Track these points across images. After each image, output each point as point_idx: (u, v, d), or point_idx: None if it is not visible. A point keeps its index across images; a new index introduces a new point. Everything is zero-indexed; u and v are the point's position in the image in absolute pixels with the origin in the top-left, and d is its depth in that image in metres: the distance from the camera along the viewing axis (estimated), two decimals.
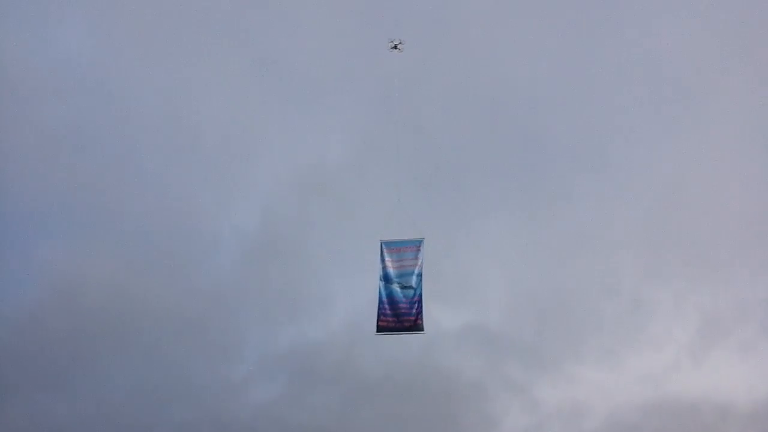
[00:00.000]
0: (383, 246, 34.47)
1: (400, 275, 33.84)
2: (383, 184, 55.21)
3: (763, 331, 51.30)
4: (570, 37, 53.69)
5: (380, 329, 33.97)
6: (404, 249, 34.40)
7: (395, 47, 41.33)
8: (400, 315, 33.47)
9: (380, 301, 33.50)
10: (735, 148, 52.56)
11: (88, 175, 54.42)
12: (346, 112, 56.20)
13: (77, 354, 53.12)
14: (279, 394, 53.03)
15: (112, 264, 54.48)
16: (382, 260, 34.06)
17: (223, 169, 55.96)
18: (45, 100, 54.15)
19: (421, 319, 33.62)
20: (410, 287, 33.73)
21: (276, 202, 56.00)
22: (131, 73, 55.31)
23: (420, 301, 33.57)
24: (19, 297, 53.22)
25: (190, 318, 54.12)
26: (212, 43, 55.24)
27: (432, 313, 53.74)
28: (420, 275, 33.86)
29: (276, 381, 53.35)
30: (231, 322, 54.18)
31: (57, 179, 54.27)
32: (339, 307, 54.57)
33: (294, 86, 56.14)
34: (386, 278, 33.74)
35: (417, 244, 34.39)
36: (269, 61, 55.74)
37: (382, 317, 33.80)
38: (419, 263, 34.14)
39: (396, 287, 33.53)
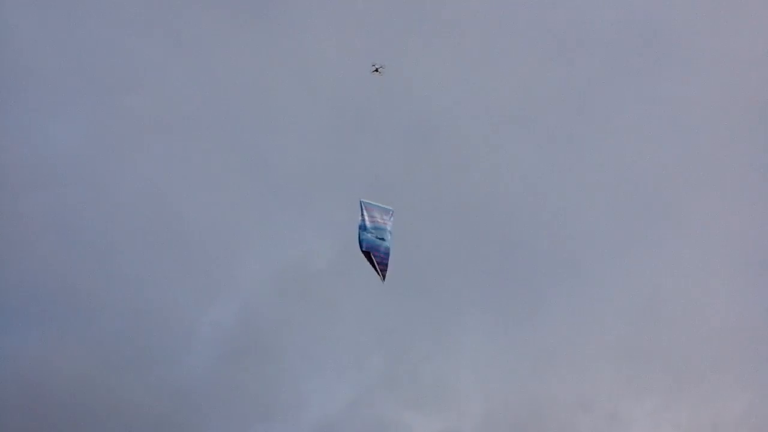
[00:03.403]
0: (362, 204, 39.73)
1: (375, 228, 39.43)
2: (364, 289, 55.85)
3: None
4: (552, 153, 55.75)
5: (365, 252, 39.31)
6: (379, 211, 39.82)
7: (376, 71, 42.82)
8: (376, 254, 39.16)
9: (360, 240, 39.05)
10: (711, 265, 53.87)
11: (66, 266, 54.16)
12: (330, 216, 56.95)
13: None
14: None
15: (83, 358, 53.39)
16: (362, 214, 39.54)
17: (204, 267, 56.14)
18: (31, 190, 54.44)
19: (385, 273, 39.33)
20: (382, 239, 39.35)
21: (256, 302, 55.94)
22: (119, 169, 56.17)
23: (388, 255, 39.25)
24: None
25: (159, 416, 52.77)
26: (200, 143, 56.59)
27: (406, 419, 53.66)
28: (390, 232, 39.61)
29: None
30: (201, 423, 52.94)
31: (34, 269, 53.82)
32: (312, 410, 53.75)
33: (280, 188, 57.27)
34: (364, 228, 39.31)
35: (389, 211, 40.07)
36: (256, 163, 57.14)
37: (361, 248, 39.10)
38: (390, 224, 39.78)
39: (372, 236, 39.20)
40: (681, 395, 52.61)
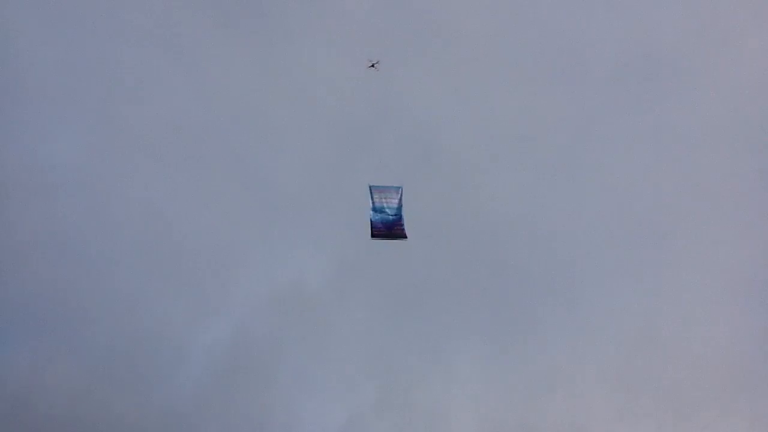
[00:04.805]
0: (371, 188, 42.56)
1: (386, 207, 42.53)
2: (359, 310, 55.79)
3: None
4: (549, 178, 56.13)
5: (374, 236, 42.39)
6: (387, 191, 42.62)
7: (372, 66, 43.67)
8: (388, 227, 42.33)
9: (372, 220, 42.27)
10: (707, 292, 53.83)
11: (62, 278, 53.99)
12: (326, 237, 57.14)
13: None
14: None
15: (75, 373, 53.00)
16: (371, 197, 42.49)
17: (199, 285, 55.94)
18: (28, 203, 54.61)
19: (404, 230, 42.49)
20: (394, 215, 42.36)
21: (250, 321, 55.70)
22: (116, 185, 56.33)
23: (402, 220, 42.40)
24: None
25: None
26: (197, 161, 56.87)
27: None
28: (400, 207, 42.42)
29: None
30: None
31: (29, 280, 53.71)
32: None
33: (276, 208, 57.34)
34: (375, 209, 42.41)
35: (398, 189, 42.69)
36: (254, 183, 57.37)
37: (375, 229, 42.45)
38: (399, 200, 42.48)
39: (384, 215, 42.33)
40: (675, 422, 52.22)
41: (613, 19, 55.71)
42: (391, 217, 42.17)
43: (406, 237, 42.40)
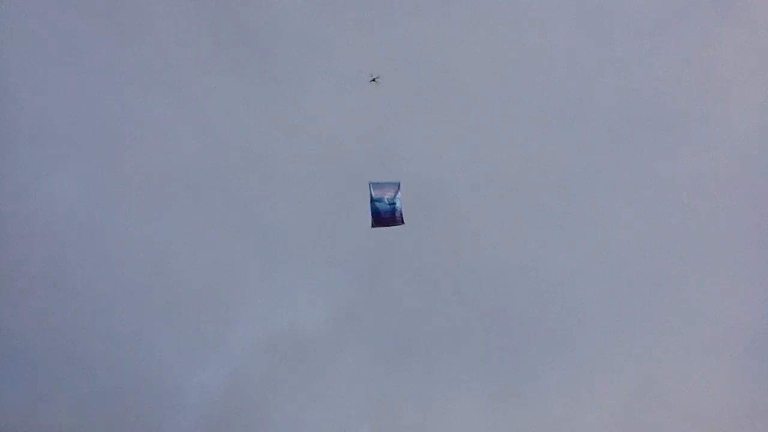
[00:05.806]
0: (371, 184, 45.02)
1: (385, 198, 45.00)
2: (356, 357, 55.38)
3: None
4: (549, 226, 55.91)
5: (375, 225, 45.04)
6: (387, 186, 45.02)
7: (374, 80, 44.49)
8: (387, 219, 44.95)
9: (372, 212, 44.80)
10: (706, 346, 53.29)
11: (59, 319, 53.90)
12: (325, 283, 57.01)
13: None
14: None
15: (67, 414, 52.75)
16: (371, 192, 44.88)
17: (196, 328, 55.71)
18: (30, 241, 54.66)
19: (402, 217, 44.98)
20: (393, 204, 44.90)
21: (246, 366, 55.34)
22: (117, 225, 56.37)
23: (400, 211, 44.92)
24: None
25: None
26: (198, 204, 56.96)
27: None
28: (399, 200, 44.89)
29: None
30: None
31: (25, 320, 53.61)
32: None
33: (276, 253, 57.31)
34: (375, 200, 44.84)
35: (396, 185, 45.08)
36: (252, 226, 57.37)
37: (374, 220, 45.02)
38: (398, 194, 45.01)
39: (382, 204, 44.81)
40: None
41: (615, 69, 56.06)
42: (389, 207, 44.76)
43: (403, 222, 45.04)
